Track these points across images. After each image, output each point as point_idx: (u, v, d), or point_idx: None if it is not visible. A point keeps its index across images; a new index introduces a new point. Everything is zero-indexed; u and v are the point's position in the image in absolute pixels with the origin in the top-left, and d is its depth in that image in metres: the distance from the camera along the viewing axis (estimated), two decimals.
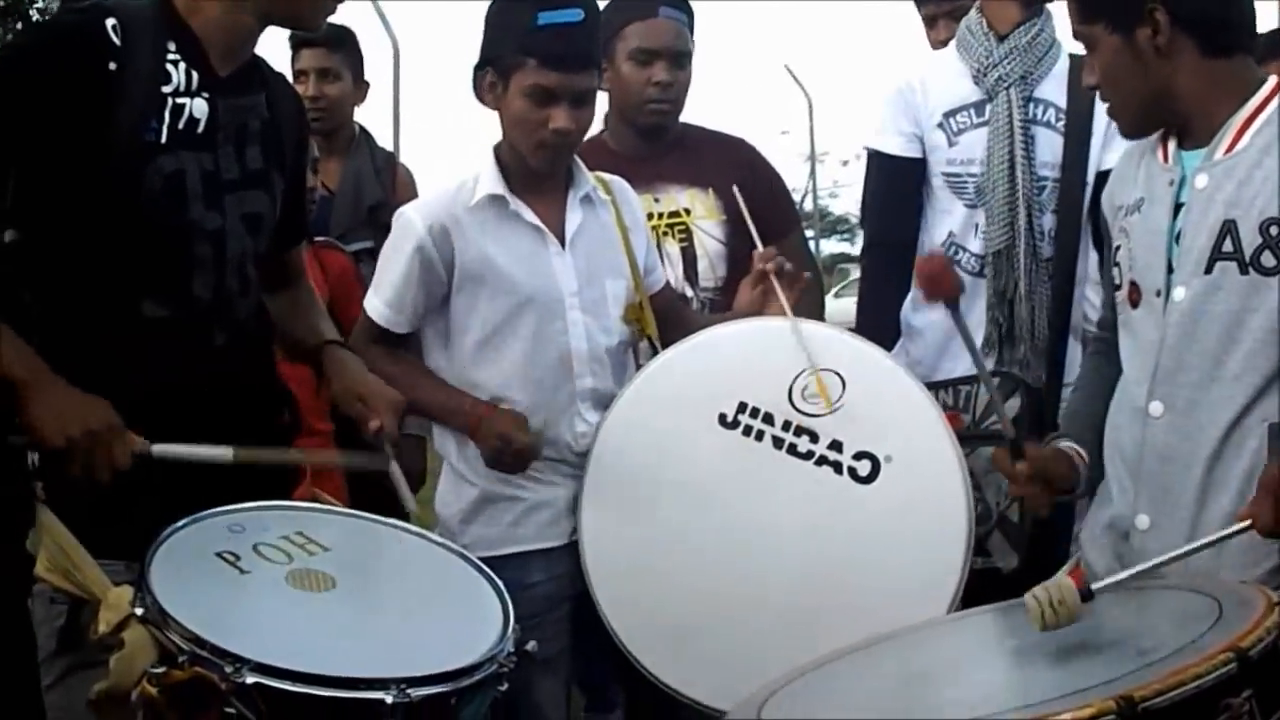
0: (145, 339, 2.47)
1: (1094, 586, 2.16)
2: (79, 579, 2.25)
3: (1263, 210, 2.43)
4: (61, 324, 2.43)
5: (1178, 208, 2.54)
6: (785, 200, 4.10)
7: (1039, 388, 3.61)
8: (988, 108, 3.73)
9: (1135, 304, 2.60)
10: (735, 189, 3.35)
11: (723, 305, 3.65)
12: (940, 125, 3.79)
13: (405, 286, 3.11)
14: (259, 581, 2.29)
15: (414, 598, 2.41)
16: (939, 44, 4.19)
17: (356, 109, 4.97)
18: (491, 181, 3.12)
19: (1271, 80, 2.53)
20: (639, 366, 3.23)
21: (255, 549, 2.35)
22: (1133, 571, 2.26)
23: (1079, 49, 3.68)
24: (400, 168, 4.93)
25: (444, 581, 2.49)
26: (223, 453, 2.37)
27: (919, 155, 3.83)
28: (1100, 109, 3.57)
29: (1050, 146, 3.71)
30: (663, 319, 3.29)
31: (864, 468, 2.91)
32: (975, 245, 3.74)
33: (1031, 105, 3.73)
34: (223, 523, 2.40)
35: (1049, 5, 3.78)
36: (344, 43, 4.79)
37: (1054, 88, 3.75)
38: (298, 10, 2.61)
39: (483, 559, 2.77)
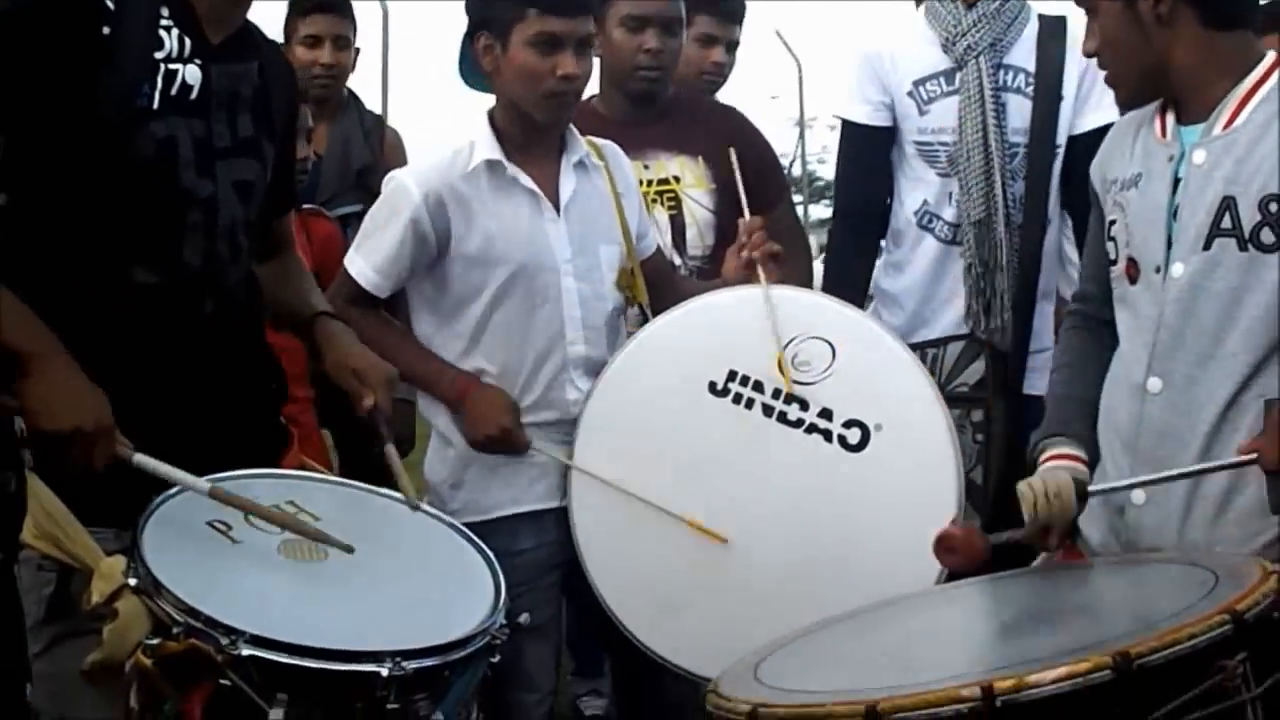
0: (135, 305, 2.43)
1: (1091, 488, 2.13)
2: (69, 547, 2.21)
3: (1262, 187, 2.42)
4: (52, 289, 2.37)
5: (1176, 183, 2.52)
6: (775, 170, 4.07)
7: (1005, 351, 3.60)
8: (957, 76, 3.67)
9: (1133, 280, 2.58)
10: (731, 151, 3.32)
11: (710, 273, 3.63)
12: (910, 94, 3.73)
13: (397, 255, 3.09)
14: (251, 551, 2.27)
15: (406, 569, 2.38)
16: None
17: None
18: (487, 147, 3.11)
19: (1271, 56, 2.52)
20: (630, 334, 3.21)
21: (246, 518, 2.32)
22: (1131, 482, 2.24)
23: (1048, 10, 3.67)
24: (389, 130, 4.87)
25: (435, 552, 2.47)
26: (199, 484, 2.30)
27: (888, 124, 3.77)
28: (1070, 72, 3.60)
29: (1021, 113, 3.67)
30: (654, 285, 3.27)
31: (854, 435, 2.91)
32: (949, 214, 3.70)
33: (1001, 72, 3.68)
34: None
35: None
36: (351, 9, 4.75)
37: (1024, 53, 3.71)
38: None
39: (472, 524, 2.77)
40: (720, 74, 4.49)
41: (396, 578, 2.34)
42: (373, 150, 4.66)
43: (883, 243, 3.89)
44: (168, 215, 2.45)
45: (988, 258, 3.62)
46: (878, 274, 3.88)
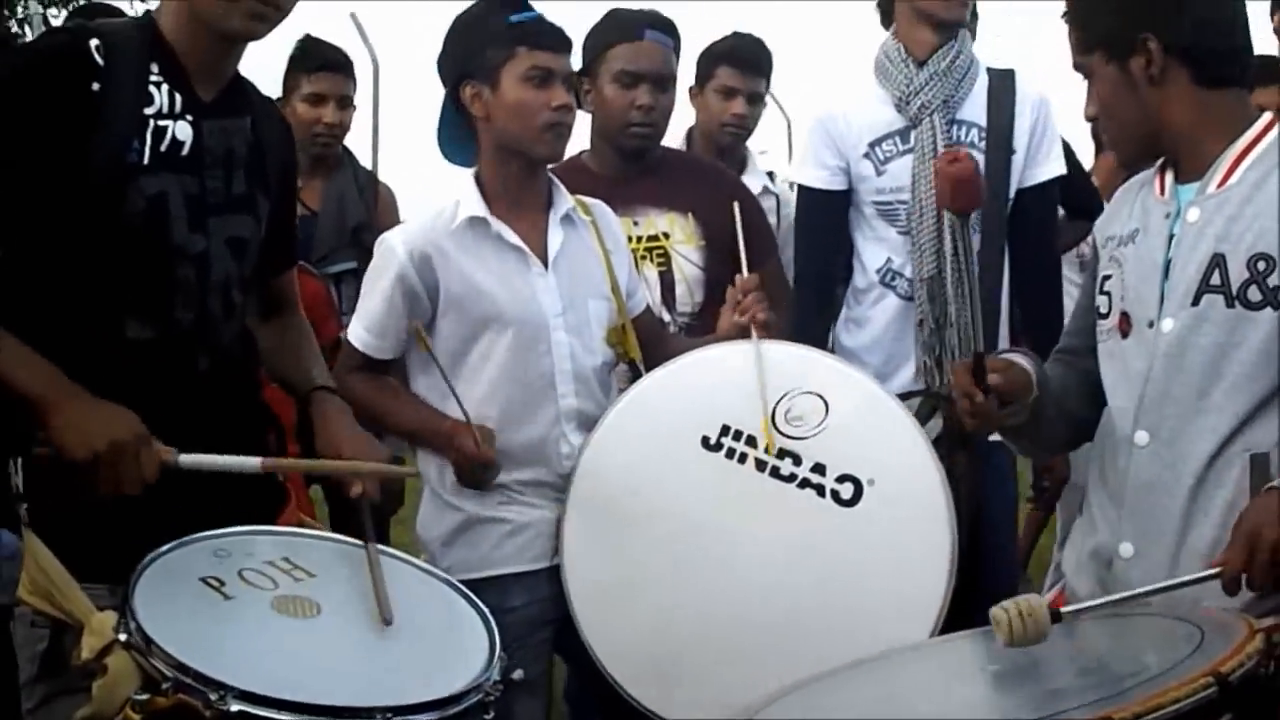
0: (128, 360, 2.44)
1: (1063, 610, 2.13)
2: (62, 603, 2.22)
3: (1251, 245, 2.43)
4: (46, 343, 2.38)
5: (1171, 240, 2.54)
6: (764, 227, 4.08)
7: None
8: (912, 134, 3.69)
9: (1125, 334, 2.59)
10: (735, 206, 3.33)
11: (700, 330, 3.64)
12: (866, 155, 3.74)
13: (388, 314, 3.11)
14: (244, 607, 2.26)
15: (400, 624, 2.35)
16: None
17: None
18: (472, 204, 3.12)
19: (1266, 116, 2.53)
20: (620, 389, 3.21)
21: (240, 574, 2.31)
22: (1103, 601, 2.25)
23: (998, 65, 3.71)
24: (382, 187, 4.88)
25: (430, 608, 2.46)
26: (250, 462, 2.33)
27: (843, 187, 3.78)
28: (1021, 126, 3.63)
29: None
30: (644, 343, 3.27)
31: (847, 490, 2.91)
32: (909, 271, 3.72)
33: (955, 128, 3.70)
34: (208, 547, 2.36)
35: (963, 27, 3.75)
36: (352, 69, 4.77)
37: (976, 108, 3.73)
38: (232, 26, 2.49)
39: (464, 582, 2.74)
40: (743, 125, 4.54)
41: (389, 633, 2.31)
42: (367, 207, 4.67)
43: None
44: (159, 270, 2.46)
45: (939, 314, 3.62)
46: (839, 331, 3.88)
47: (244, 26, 2.49)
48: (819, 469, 2.92)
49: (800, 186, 3.88)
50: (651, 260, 3.76)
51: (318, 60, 4.62)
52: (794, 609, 2.90)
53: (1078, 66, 2.61)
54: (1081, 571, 2.64)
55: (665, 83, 3.76)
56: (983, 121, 3.71)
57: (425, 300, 3.08)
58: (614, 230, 3.35)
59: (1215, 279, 2.45)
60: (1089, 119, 2.69)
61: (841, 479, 2.91)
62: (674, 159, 3.97)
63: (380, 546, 2.55)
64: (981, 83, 3.75)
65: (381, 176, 5.27)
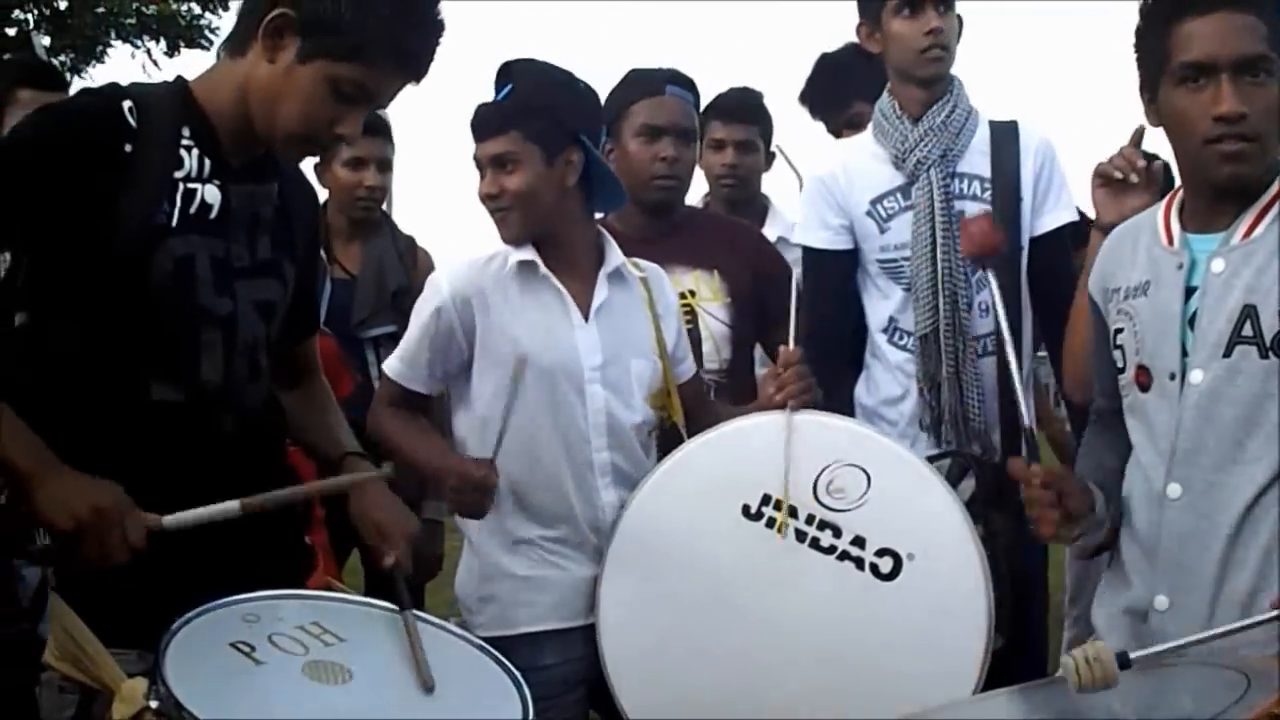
0: (154, 422, 2.38)
1: (1132, 656, 2.06)
2: (90, 668, 2.14)
3: None
4: (70, 406, 2.34)
5: (1188, 291, 2.48)
6: (789, 284, 4.03)
7: (994, 463, 3.47)
8: (912, 190, 3.61)
9: (1145, 387, 2.52)
10: (794, 281, 3.31)
11: (727, 388, 3.60)
12: (869, 213, 3.66)
13: (420, 343, 3.11)
14: (275, 673, 2.18)
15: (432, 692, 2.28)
16: None
17: None
18: (522, 250, 3.09)
19: None
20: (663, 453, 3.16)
21: (270, 639, 2.24)
22: (1173, 645, 2.16)
23: (998, 116, 3.62)
24: (421, 251, 4.76)
25: (462, 672, 2.37)
26: (230, 507, 2.25)
27: (848, 246, 3.69)
28: (1025, 177, 3.54)
29: None
30: (690, 409, 3.21)
31: (886, 564, 2.85)
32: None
33: (955, 181, 3.61)
34: (237, 612, 2.29)
35: (959, 76, 3.68)
36: (390, 130, 4.69)
37: (976, 160, 3.64)
38: (278, 149, 2.49)
39: (496, 638, 2.71)
40: (733, 175, 4.47)
41: (422, 699, 2.24)
42: (407, 271, 4.57)
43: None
44: (185, 332, 2.41)
45: (934, 372, 3.54)
46: (858, 390, 3.78)
47: (293, 158, 2.54)
48: (859, 542, 2.87)
49: (805, 248, 3.78)
50: None
51: None
52: (829, 681, 2.84)
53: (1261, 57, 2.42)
54: (1114, 628, 2.56)
55: (688, 136, 3.73)
56: (985, 173, 3.63)
57: (461, 340, 3.07)
58: (667, 295, 3.29)
59: (1248, 330, 2.39)
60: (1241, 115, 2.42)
61: (881, 553, 2.86)
62: (698, 217, 3.94)
63: (412, 611, 2.48)
64: (982, 134, 3.66)
65: None
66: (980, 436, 3.55)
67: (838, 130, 4.51)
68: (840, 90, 4.50)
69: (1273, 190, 2.46)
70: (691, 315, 3.71)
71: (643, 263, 3.28)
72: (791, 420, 2.96)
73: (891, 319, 3.66)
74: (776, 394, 3.01)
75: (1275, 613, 2.17)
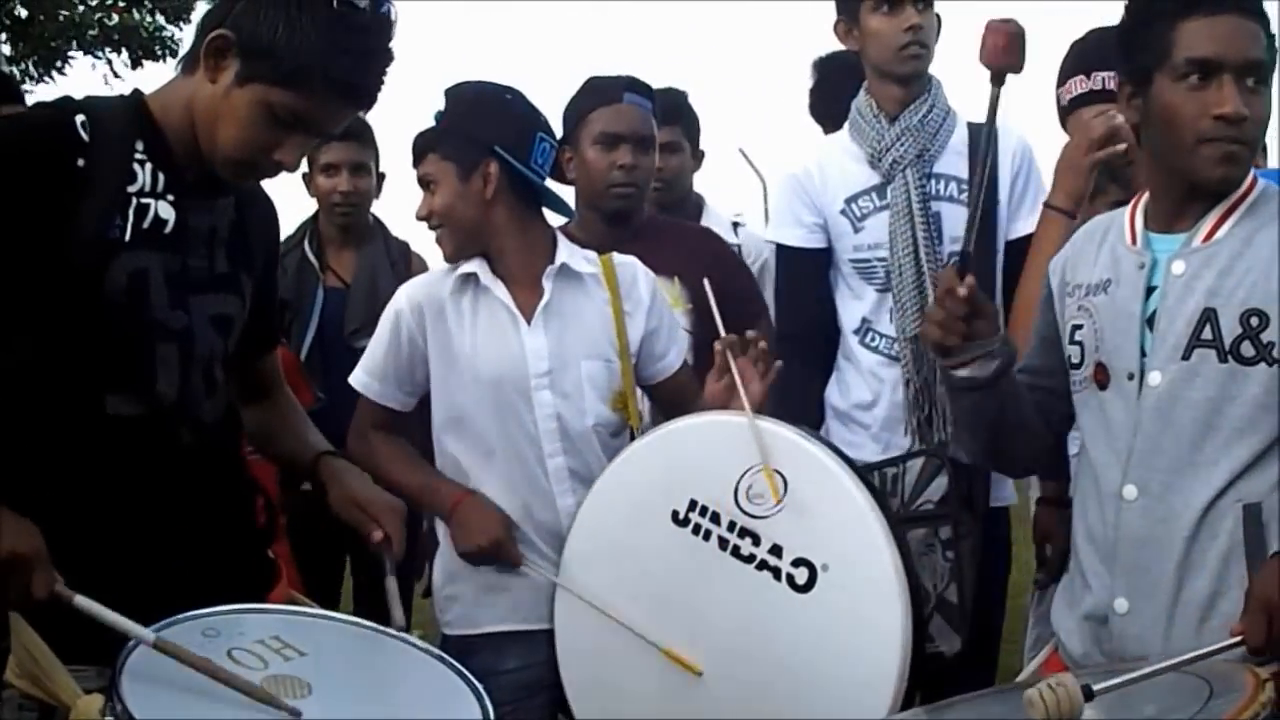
0: (111, 436, 2.34)
1: (1095, 688, 2.03)
2: (48, 685, 2.09)
3: (1244, 300, 2.36)
4: (25, 420, 2.30)
5: (1149, 291, 2.46)
6: (751, 289, 3.99)
7: (970, 465, 3.39)
8: (888, 190, 3.57)
9: (1103, 385, 2.50)
10: (705, 283, 3.19)
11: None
12: (843, 212, 3.62)
13: (383, 355, 3.13)
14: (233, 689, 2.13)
15: (392, 705, 2.26)
16: None
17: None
18: (471, 262, 3.09)
19: (1253, 173, 2.47)
20: None
21: (230, 654, 2.18)
22: (1133, 676, 2.12)
23: (976, 117, 3.56)
24: (415, 257, 4.73)
25: (423, 687, 2.32)
26: (143, 633, 2.13)
27: (822, 245, 3.65)
28: (1003, 179, 3.49)
29: (956, 222, 3.53)
30: (680, 405, 3.16)
31: (801, 575, 2.74)
32: (890, 329, 3.60)
33: (932, 182, 3.57)
34: (197, 626, 2.24)
35: (936, 76, 3.65)
36: (370, 134, 4.64)
37: (953, 160, 3.61)
38: (220, 171, 2.43)
39: (462, 637, 2.81)
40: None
41: (381, 714, 2.21)
42: (400, 278, 4.49)
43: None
44: (140, 346, 2.36)
45: (925, 373, 3.50)
46: (829, 392, 3.74)
47: (234, 180, 2.46)
48: (776, 550, 2.77)
49: (778, 246, 3.75)
50: None
51: None
52: (758, 688, 2.77)
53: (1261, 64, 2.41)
54: (1075, 633, 2.54)
55: (646, 144, 3.70)
56: (961, 174, 3.59)
57: (422, 349, 3.09)
58: (639, 290, 3.24)
59: (1207, 333, 2.37)
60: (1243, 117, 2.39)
61: (797, 563, 2.74)
62: (658, 225, 3.91)
63: (373, 625, 2.45)
64: (960, 135, 3.63)
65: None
66: None
67: None
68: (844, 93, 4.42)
69: (1235, 194, 2.44)
70: (671, 318, 3.69)
71: (619, 258, 3.26)
72: (745, 417, 2.88)
73: (865, 320, 3.63)
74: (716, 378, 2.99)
75: (1237, 640, 2.16)
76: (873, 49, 3.60)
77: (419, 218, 3.14)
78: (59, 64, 18.22)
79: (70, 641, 2.14)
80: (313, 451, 2.70)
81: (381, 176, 4.72)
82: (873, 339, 3.62)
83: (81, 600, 2.15)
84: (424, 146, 3.13)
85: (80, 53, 18.31)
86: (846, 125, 3.70)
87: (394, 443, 3.18)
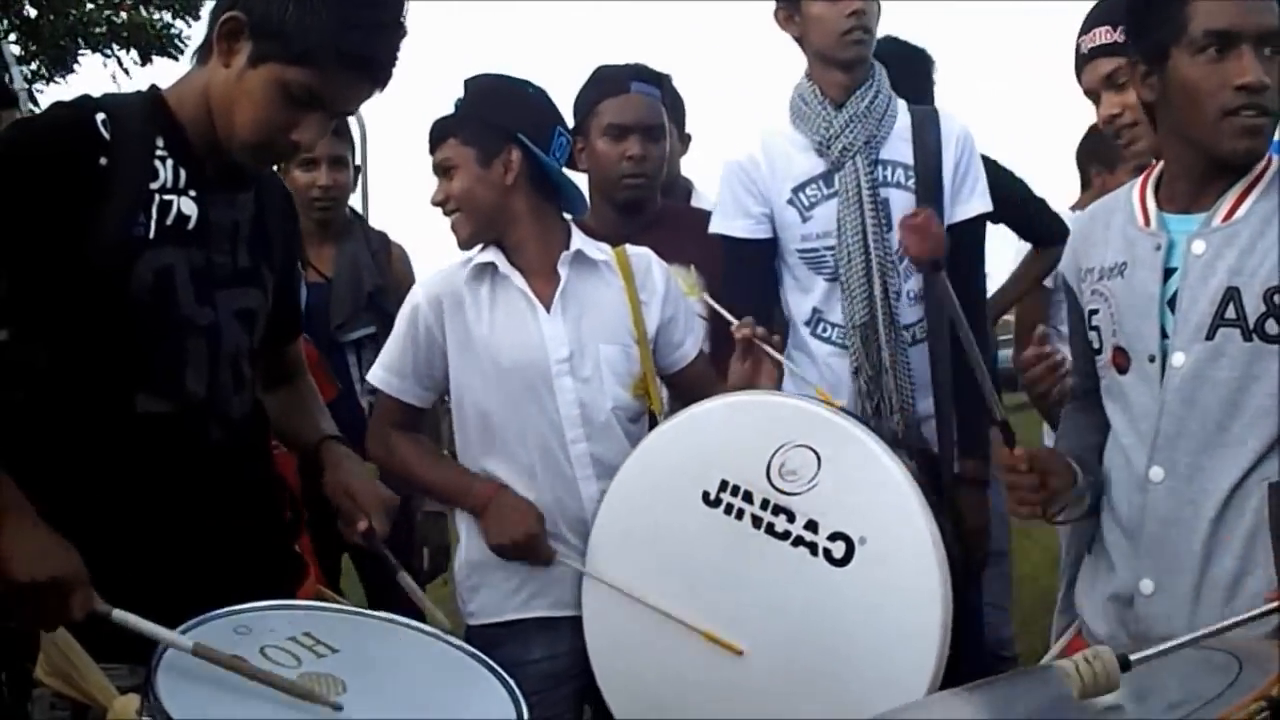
0: (141, 434, 2.33)
1: (1131, 658, 2.02)
2: (81, 684, 2.10)
3: (1266, 278, 2.34)
4: (56, 422, 2.30)
5: (1166, 273, 2.45)
6: None
7: (931, 451, 3.42)
8: (836, 178, 3.49)
9: (1123, 369, 2.49)
10: (692, 268, 3.25)
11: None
12: (791, 201, 3.53)
13: (402, 349, 3.12)
14: (267, 687, 2.11)
15: (426, 700, 2.23)
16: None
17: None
18: (485, 252, 3.09)
19: (1271, 152, 2.45)
20: None
21: (263, 651, 2.17)
22: (1172, 644, 2.11)
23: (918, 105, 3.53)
24: (395, 247, 4.67)
25: (456, 682, 2.31)
26: (181, 641, 2.12)
27: (768, 235, 3.56)
28: (947, 164, 3.45)
29: (904, 207, 3.42)
30: (699, 393, 3.13)
31: (838, 549, 2.73)
32: (840, 318, 3.53)
33: (879, 168, 3.50)
34: (228, 624, 2.23)
35: (878, 63, 3.58)
36: (346, 128, 4.58)
37: (899, 147, 3.53)
38: (239, 156, 2.43)
39: (487, 626, 2.82)
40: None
41: (415, 709, 2.18)
42: (382, 270, 4.47)
43: None
44: (168, 343, 2.36)
45: (875, 360, 3.44)
46: (785, 384, 3.65)
47: (254, 164, 2.47)
48: (811, 526, 2.76)
49: (725, 238, 3.63)
50: None
51: None
52: (790, 670, 2.77)
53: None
54: (1099, 615, 2.54)
55: (654, 133, 3.69)
56: (907, 160, 3.52)
57: (441, 343, 3.08)
58: (654, 279, 3.23)
59: (1230, 312, 2.36)
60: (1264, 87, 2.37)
61: (833, 537, 2.74)
62: (673, 213, 3.89)
63: (403, 619, 2.44)
64: (903, 121, 3.56)
65: None
66: (915, 427, 3.47)
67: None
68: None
69: (1254, 172, 2.42)
70: (687, 307, 3.68)
71: (631, 248, 3.24)
72: (774, 395, 2.92)
73: (815, 310, 3.55)
74: (738, 362, 2.97)
75: (1274, 605, 2.13)
76: (815, 35, 3.51)
77: (434, 203, 3.13)
78: (69, 63, 18.22)
79: (102, 639, 2.14)
80: (319, 435, 2.70)
81: (358, 169, 4.68)
82: (824, 329, 3.54)
83: (119, 614, 2.13)
84: (444, 132, 3.12)
85: (89, 51, 18.31)
86: (789, 113, 3.61)
87: (415, 441, 3.18)
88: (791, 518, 2.78)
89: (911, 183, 3.50)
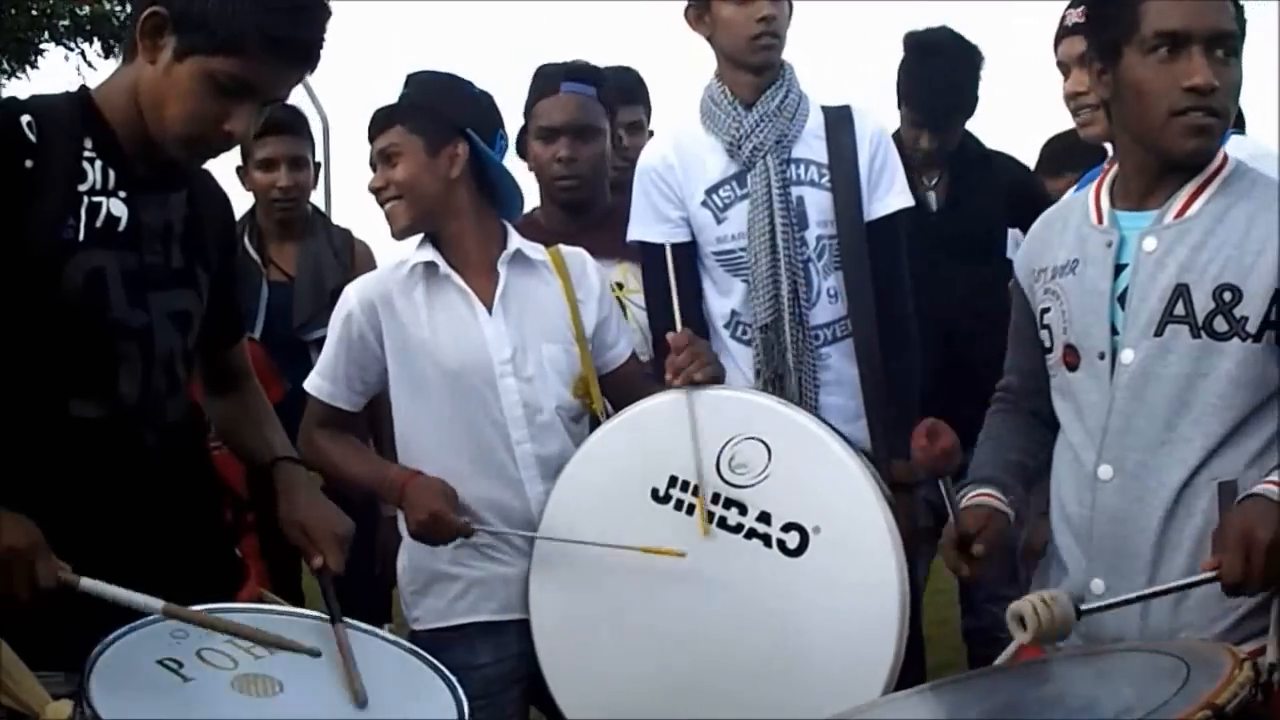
0: (75, 439, 2.29)
1: (1084, 607, 1.99)
2: (15, 691, 2.06)
3: (1216, 276, 2.32)
4: None
5: (1117, 269, 2.42)
6: None
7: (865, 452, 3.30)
8: (748, 178, 3.43)
9: (1073, 366, 2.47)
10: (668, 248, 3.16)
11: (656, 379, 3.50)
12: (704, 204, 3.47)
13: (336, 356, 3.07)
14: (202, 689, 2.09)
15: (368, 699, 2.18)
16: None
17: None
18: (422, 252, 3.06)
19: (1224, 151, 2.44)
20: None
21: (199, 654, 2.14)
22: (1125, 599, 2.10)
23: (830, 102, 3.50)
24: (359, 245, 4.62)
25: (396, 681, 2.29)
26: (152, 604, 2.13)
27: (687, 239, 3.48)
28: (864, 159, 3.41)
29: (819, 205, 3.43)
30: (631, 394, 3.12)
31: (793, 539, 2.75)
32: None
33: (792, 166, 3.44)
34: (166, 628, 2.18)
35: (789, 62, 3.53)
36: (305, 127, 4.54)
37: (812, 144, 3.47)
38: (172, 153, 2.38)
39: (430, 633, 2.77)
40: (624, 157, 4.20)
41: (353, 709, 2.15)
42: (344, 268, 4.40)
43: None
44: (101, 347, 2.31)
45: (778, 362, 3.38)
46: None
47: (187, 162, 2.42)
48: (764, 518, 2.77)
49: (643, 244, 3.53)
50: None
51: (263, 124, 4.41)
52: (749, 661, 2.76)
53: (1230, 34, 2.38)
54: None
55: (585, 133, 3.65)
56: (821, 159, 3.47)
57: (375, 347, 3.04)
58: (589, 279, 3.21)
59: (1179, 309, 2.34)
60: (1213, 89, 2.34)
61: (787, 527, 2.75)
62: (623, 209, 3.85)
63: (345, 620, 2.40)
64: (816, 119, 3.49)
65: None
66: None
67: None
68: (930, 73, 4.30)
69: (1208, 170, 2.41)
70: (619, 308, 3.63)
71: (566, 249, 3.22)
72: (692, 400, 2.88)
73: (734, 313, 3.48)
74: (674, 379, 2.93)
75: (1212, 575, 2.14)
76: (724, 38, 3.46)
77: (372, 188, 3.09)
78: (32, 57, 18.08)
79: (38, 646, 2.11)
80: (271, 454, 2.64)
81: (318, 167, 4.63)
82: (743, 332, 3.47)
83: (88, 582, 2.12)
84: (389, 118, 3.07)
85: (52, 44, 18.17)
86: (699, 114, 3.55)
87: (341, 440, 3.12)
88: (744, 510, 2.79)
89: (826, 180, 3.45)
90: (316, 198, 4.91)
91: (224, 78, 2.28)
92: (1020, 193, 4.29)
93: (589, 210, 3.70)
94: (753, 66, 3.44)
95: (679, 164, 3.50)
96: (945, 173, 4.36)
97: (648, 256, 3.51)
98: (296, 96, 5.04)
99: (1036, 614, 1.92)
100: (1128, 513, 2.37)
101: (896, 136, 4.02)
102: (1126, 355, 2.39)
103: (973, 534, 2.46)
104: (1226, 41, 2.35)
